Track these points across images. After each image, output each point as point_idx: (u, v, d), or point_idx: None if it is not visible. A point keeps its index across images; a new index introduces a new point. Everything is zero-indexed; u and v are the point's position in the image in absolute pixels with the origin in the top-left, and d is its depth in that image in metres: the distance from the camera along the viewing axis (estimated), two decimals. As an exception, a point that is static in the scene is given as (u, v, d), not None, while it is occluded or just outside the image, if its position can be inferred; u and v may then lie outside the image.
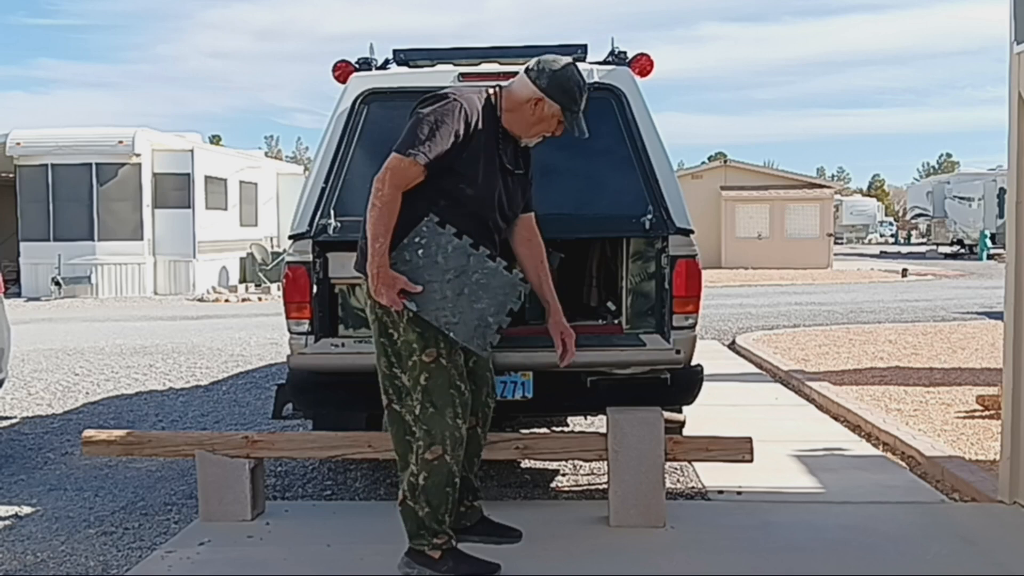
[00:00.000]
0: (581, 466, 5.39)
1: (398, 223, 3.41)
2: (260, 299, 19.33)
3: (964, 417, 6.50)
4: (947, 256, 37.32)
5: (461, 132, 3.42)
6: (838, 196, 50.19)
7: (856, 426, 6.45)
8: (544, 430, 5.54)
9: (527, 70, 3.54)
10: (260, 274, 21.21)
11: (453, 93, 3.49)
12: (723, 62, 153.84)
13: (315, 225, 4.41)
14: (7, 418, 7.25)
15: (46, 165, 19.17)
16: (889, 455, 5.69)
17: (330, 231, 4.38)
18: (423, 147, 3.37)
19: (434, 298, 3.44)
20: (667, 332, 4.38)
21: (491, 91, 3.61)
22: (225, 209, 21.31)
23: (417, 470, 3.50)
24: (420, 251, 3.44)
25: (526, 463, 5.37)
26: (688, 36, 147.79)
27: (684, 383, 4.49)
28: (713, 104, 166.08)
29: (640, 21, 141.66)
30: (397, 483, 3.68)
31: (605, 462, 4.24)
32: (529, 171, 3.77)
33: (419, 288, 3.41)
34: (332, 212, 4.40)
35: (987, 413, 6.48)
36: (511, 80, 3.62)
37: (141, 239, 19.69)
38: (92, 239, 19.46)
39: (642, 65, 4.76)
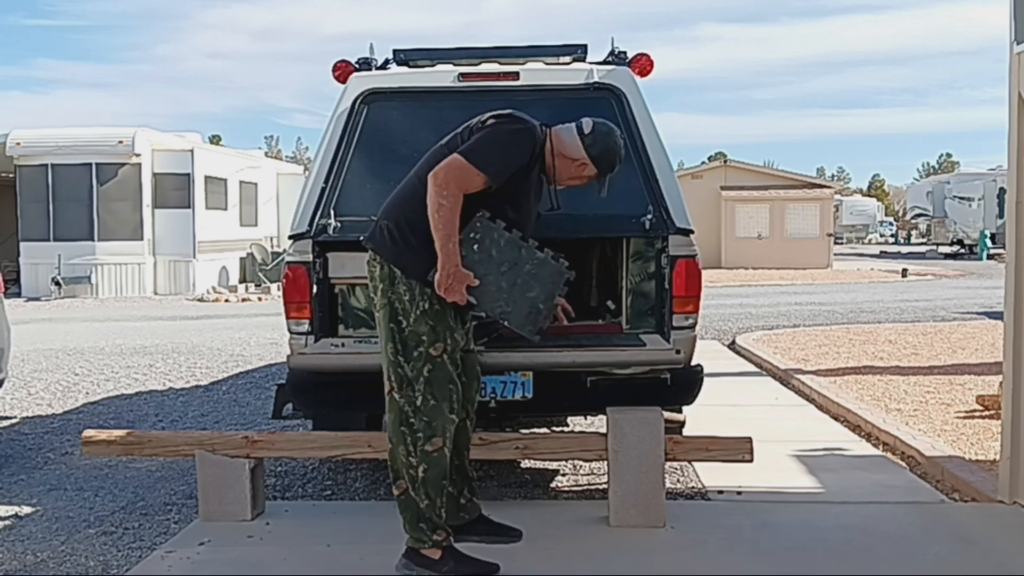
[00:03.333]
0: (581, 466, 5.38)
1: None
2: (260, 299, 19.33)
3: (964, 417, 6.50)
4: (947, 256, 37.31)
5: (525, 161, 3.55)
6: (838, 196, 50.21)
7: (856, 426, 6.45)
8: (544, 430, 5.54)
9: (581, 132, 3.65)
10: (260, 274, 21.21)
11: (527, 120, 3.60)
12: (722, 62, 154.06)
13: (315, 225, 4.41)
14: (7, 418, 7.25)
15: (46, 165, 19.16)
16: (889, 455, 5.69)
17: (330, 231, 4.38)
18: (495, 165, 3.46)
19: (490, 291, 3.54)
20: (667, 332, 4.38)
21: (543, 129, 3.70)
22: (225, 209, 21.31)
23: (417, 462, 3.51)
24: (476, 246, 3.52)
25: (526, 463, 5.37)
26: (687, 36, 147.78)
27: (684, 383, 4.49)
28: (713, 104, 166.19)
29: (639, 21, 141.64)
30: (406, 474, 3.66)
31: (605, 462, 4.24)
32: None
33: (477, 282, 3.50)
34: (332, 212, 4.41)
35: (987, 413, 6.48)
36: (560, 127, 3.70)
37: (141, 239, 19.69)
38: (92, 239, 19.46)
39: (642, 65, 4.76)
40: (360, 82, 4.65)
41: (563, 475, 5.32)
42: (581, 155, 3.64)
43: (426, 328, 3.50)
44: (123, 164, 19.33)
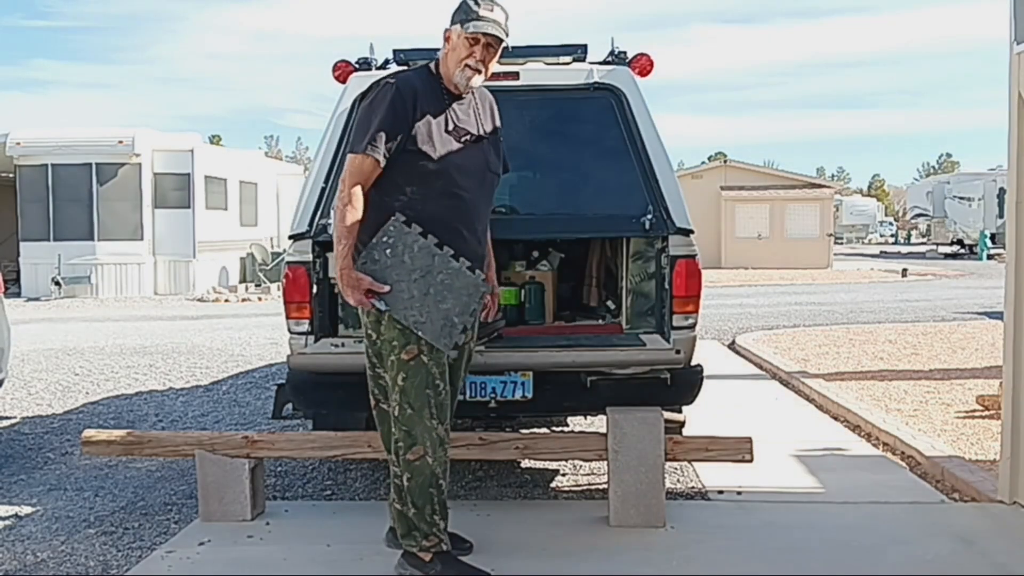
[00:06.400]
0: (581, 466, 5.38)
1: (370, 223, 3.45)
2: (260, 299, 19.32)
3: (964, 417, 6.50)
4: (947, 256, 37.31)
5: (402, 110, 3.44)
6: (838, 196, 50.17)
7: (856, 426, 6.45)
8: (544, 430, 5.54)
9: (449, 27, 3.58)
10: (260, 274, 21.20)
11: (387, 78, 3.55)
12: (720, 63, 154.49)
13: (315, 225, 4.41)
14: (7, 418, 7.25)
15: (46, 165, 19.14)
16: (889, 455, 5.69)
17: (330, 231, 4.37)
18: (372, 139, 3.41)
19: (402, 297, 3.47)
20: (667, 332, 4.38)
21: (433, 63, 3.65)
22: (225, 209, 21.30)
23: (400, 471, 3.51)
24: (388, 251, 3.46)
25: (526, 463, 5.37)
26: (682, 38, 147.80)
27: (684, 383, 4.49)
28: (713, 104, 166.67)
29: (635, 22, 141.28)
30: (391, 482, 3.68)
31: (605, 462, 4.24)
32: (493, 131, 3.73)
33: (387, 288, 3.44)
34: (332, 212, 4.40)
35: (987, 413, 6.48)
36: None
37: (141, 239, 19.67)
38: (92, 239, 19.44)
39: (642, 65, 4.76)
40: (360, 82, 4.64)
41: (563, 475, 5.32)
42: (451, 37, 3.53)
43: (396, 332, 3.47)
44: (123, 164, 19.30)
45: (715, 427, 5.38)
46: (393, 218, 3.46)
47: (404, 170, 3.47)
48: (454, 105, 3.59)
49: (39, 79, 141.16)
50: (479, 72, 3.56)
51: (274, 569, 3.78)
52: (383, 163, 3.44)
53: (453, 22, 3.54)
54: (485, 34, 3.48)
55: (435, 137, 3.51)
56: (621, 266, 4.77)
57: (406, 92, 3.48)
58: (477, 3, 3.50)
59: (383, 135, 3.42)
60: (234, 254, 21.74)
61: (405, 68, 4.93)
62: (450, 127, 3.55)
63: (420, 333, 3.49)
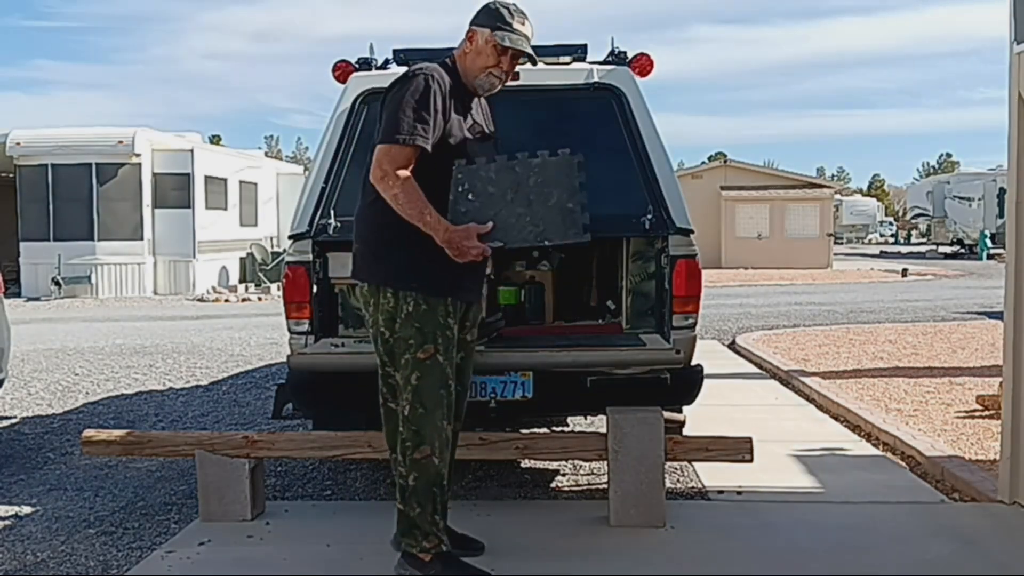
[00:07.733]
0: (581, 466, 5.38)
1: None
2: (260, 299, 19.33)
3: (964, 417, 6.50)
4: (947, 256, 37.32)
5: (439, 103, 3.42)
6: (838, 196, 50.21)
7: (856, 426, 6.45)
8: (544, 430, 5.54)
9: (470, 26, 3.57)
10: (260, 274, 21.21)
11: (419, 69, 3.48)
12: (718, 63, 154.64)
13: (315, 225, 4.41)
14: (7, 418, 7.25)
15: (46, 165, 19.15)
16: (889, 455, 5.69)
17: (330, 231, 4.38)
18: (417, 128, 3.35)
19: (511, 223, 3.38)
20: (667, 332, 4.38)
21: (449, 59, 3.62)
22: (225, 209, 21.31)
23: (406, 471, 3.50)
24: (470, 195, 3.37)
25: (526, 463, 5.37)
26: (680, 38, 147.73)
27: (684, 383, 4.49)
28: (712, 104, 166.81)
29: (631, 23, 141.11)
30: (396, 482, 3.68)
31: (605, 462, 4.24)
32: (493, 128, 3.78)
33: (489, 225, 3.36)
34: (332, 212, 4.41)
35: (987, 413, 6.48)
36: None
37: (141, 239, 19.68)
38: (92, 239, 19.45)
39: (642, 65, 4.76)
40: (360, 82, 4.66)
41: (563, 475, 5.32)
42: (475, 38, 3.51)
43: (413, 331, 3.44)
44: (123, 164, 19.31)
45: (715, 427, 5.38)
46: (456, 166, 3.37)
47: (433, 165, 3.40)
48: (468, 102, 3.62)
49: (39, 79, 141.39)
50: (501, 80, 3.61)
51: (274, 569, 3.78)
52: (428, 150, 3.37)
53: (481, 24, 3.52)
54: (513, 45, 3.50)
55: (462, 134, 3.52)
56: (621, 266, 4.77)
57: (442, 83, 3.44)
58: (511, 13, 3.52)
59: (429, 126, 3.37)
60: (234, 254, 21.75)
61: (406, 68, 4.95)
62: (469, 123, 3.59)
63: (548, 243, 3.45)
